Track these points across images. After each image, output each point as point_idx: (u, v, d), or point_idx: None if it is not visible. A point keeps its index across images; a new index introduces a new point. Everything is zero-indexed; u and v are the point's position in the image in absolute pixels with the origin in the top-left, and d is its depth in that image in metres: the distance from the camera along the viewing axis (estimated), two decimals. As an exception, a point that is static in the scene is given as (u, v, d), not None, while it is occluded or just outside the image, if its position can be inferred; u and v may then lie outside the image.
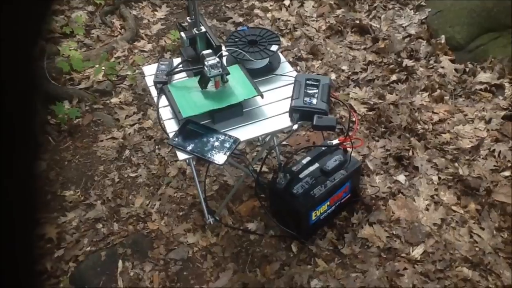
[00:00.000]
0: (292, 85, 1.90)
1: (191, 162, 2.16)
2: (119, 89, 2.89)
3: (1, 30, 0.38)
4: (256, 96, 1.74)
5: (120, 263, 2.04)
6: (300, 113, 1.75)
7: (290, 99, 1.83)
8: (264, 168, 2.37)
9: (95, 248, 2.11)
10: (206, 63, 1.70)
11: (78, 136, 2.62)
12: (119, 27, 3.34)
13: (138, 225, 2.20)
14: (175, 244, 2.11)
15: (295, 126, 1.73)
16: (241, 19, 3.40)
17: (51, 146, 2.51)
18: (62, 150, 2.54)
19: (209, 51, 1.75)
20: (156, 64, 2.02)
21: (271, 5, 3.51)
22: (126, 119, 2.71)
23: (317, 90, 1.81)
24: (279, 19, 3.37)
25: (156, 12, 3.52)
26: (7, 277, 0.46)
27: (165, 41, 3.22)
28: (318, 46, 3.10)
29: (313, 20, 3.33)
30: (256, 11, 3.46)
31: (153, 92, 1.92)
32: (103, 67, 2.90)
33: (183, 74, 1.98)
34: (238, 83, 1.78)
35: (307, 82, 1.85)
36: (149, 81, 1.98)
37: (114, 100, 2.82)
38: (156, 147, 2.55)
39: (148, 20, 3.45)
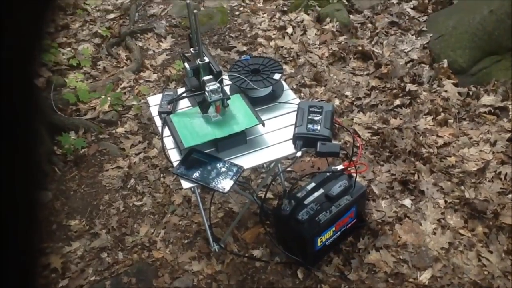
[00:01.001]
0: (295, 112, 1.92)
1: (195, 190, 2.18)
2: (124, 119, 2.93)
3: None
4: (257, 124, 1.75)
5: (125, 293, 2.03)
6: (303, 140, 1.76)
7: (293, 126, 1.85)
8: (269, 195, 2.37)
9: (100, 277, 2.10)
10: (207, 88, 1.73)
11: (83, 166, 2.64)
12: (125, 58, 3.40)
13: (143, 253, 2.19)
14: (180, 272, 2.10)
15: (299, 153, 1.74)
16: (245, 48, 3.46)
17: (57, 176, 2.53)
18: (68, 180, 2.56)
19: (210, 76, 1.78)
20: (160, 94, 2.05)
21: (274, 34, 3.57)
22: (132, 148, 2.73)
23: (320, 117, 1.82)
24: (282, 47, 3.42)
25: (161, 43, 3.59)
26: None
27: (170, 71, 3.28)
28: (321, 72, 3.13)
29: (316, 48, 3.38)
30: (260, 39, 3.52)
31: (158, 121, 1.95)
32: (109, 98, 2.95)
33: (188, 104, 2.01)
34: (239, 112, 1.80)
35: (310, 109, 1.87)
36: (154, 111, 2.01)
37: (120, 129, 2.85)
38: (161, 175, 2.56)
39: (153, 51, 3.52)
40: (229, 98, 1.78)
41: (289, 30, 3.56)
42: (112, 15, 3.85)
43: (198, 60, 1.89)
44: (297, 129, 1.80)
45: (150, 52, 3.51)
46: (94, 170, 2.62)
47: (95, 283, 2.08)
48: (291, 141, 1.81)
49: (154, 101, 2.06)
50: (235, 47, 3.49)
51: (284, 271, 2.07)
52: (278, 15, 3.77)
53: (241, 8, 3.94)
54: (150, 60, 3.41)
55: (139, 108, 2.93)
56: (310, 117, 1.83)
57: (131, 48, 3.45)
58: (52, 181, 2.50)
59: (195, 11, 1.75)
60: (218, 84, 1.74)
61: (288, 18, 3.71)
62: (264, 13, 3.85)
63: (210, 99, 1.73)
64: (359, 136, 2.64)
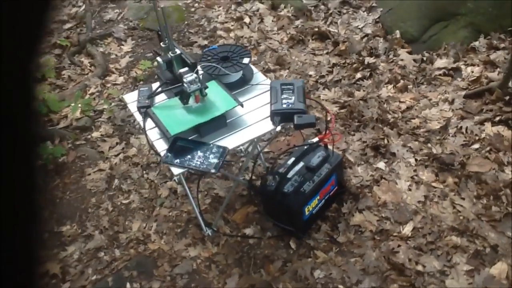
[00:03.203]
0: (268, 92, 2.03)
1: (182, 179, 2.26)
2: (98, 123, 2.96)
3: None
4: (236, 106, 1.85)
5: (128, 286, 2.09)
6: (281, 116, 1.87)
7: (269, 104, 1.96)
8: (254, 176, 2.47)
9: (101, 276, 2.15)
10: (185, 80, 1.81)
11: (65, 174, 2.66)
12: (89, 65, 3.42)
13: (139, 247, 2.25)
14: (178, 260, 2.18)
15: (278, 128, 1.85)
16: (206, 42, 3.53)
17: (40, 187, 2.54)
18: (52, 189, 2.57)
19: (186, 69, 1.86)
20: (136, 92, 2.11)
21: (232, 25, 3.66)
22: (110, 150, 2.77)
23: (293, 93, 1.94)
24: (242, 36, 3.51)
25: (122, 46, 3.62)
26: None
27: (135, 72, 3.32)
28: (283, 56, 3.25)
29: (275, 34, 3.49)
30: (219, 32, 3.60)
31: (138, 117, 2.01)
32: (79, 105, 2.97)
33: (164, 97, 2.08)
34: (217, 97, 1.89)
35: (282, 86, 1.98)
36: (132, 107, 2.07)
37: (95, 134, 2.88)
38: (144, 172, 2.62)
39: (116, 55, 3.54)
40: (206, 87, 1.87)
41: (247, 20, 3.66)
42: (68, 25, 3.83)
43: (170, 53, 1.96)
44: (273, 106, 1.90)
45: (113, 56, 3.53)
46: (76, 176, 2.65)
47: (97, 281, 2.12)
48: (268, 119, 1.92)
49: (131, 98, 2.12)
50: (196, 41, 3.56)
51: (277, 243, 2.18)
52: (233, 7, 3.86)
53: (196, 5, 4.01)
54: (114, 64, 3.44)
55: (112, 111, 2.97)
56: (283, 94, 1.94)
57: (93, 55, 3.46)
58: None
59: (161, 7, 1.82)
60: (195, 75, 1.82)
61: (244, 8, 3.80)
62: (220, 7, 3.93)
63: (189, 90, 1.81)
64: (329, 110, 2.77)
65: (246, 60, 2.08)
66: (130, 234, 2.31)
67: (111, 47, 3.62)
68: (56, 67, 3.40)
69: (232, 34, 3.56)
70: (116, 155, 2.73)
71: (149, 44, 3.64)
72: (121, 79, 3.27)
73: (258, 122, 1.92)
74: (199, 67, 2.06)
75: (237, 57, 2.11)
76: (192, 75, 1.80)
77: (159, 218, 2.37)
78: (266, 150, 2.61)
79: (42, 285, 0.51)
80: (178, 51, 1.95)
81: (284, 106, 1.88)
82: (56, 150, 2.68)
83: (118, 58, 3.50)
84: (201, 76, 2.10)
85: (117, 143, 2.81)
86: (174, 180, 2.52)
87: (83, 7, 4.01)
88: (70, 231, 2.35)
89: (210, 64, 2.03)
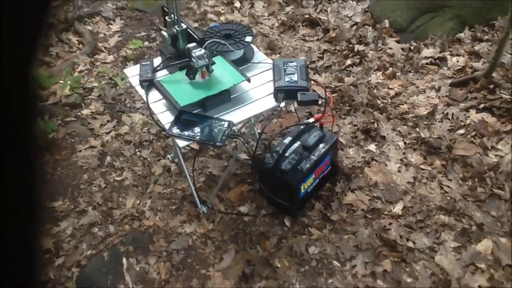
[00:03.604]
0: (270, 71, 2.07)
1: (179, 155, 2.27)
2: (88, 101, 2.92)
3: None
4: (244, 80, 1.88)
5: (124, 260, 2.09)
6: (284, 93, 1.91)
7: (271, 82, 1.99)
8: (245, 156, 2.51)
9: (96, 251, 2.14)
10: (193, 54, 1.82)
11: (55, 150, 2.63)
12: (77, 43, 3.36)
13: (133, 223, 2.25)
14: (174, 236, 2.19)
15: (282, 104, 1.89)
16: (196, 24, 3.53)
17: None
18: (42, 165, 2.54)
19: (194, 44, 1.87)
20: (137, 65, 2.11)
21: (222, 9, 3.67)
22: (101, 128, 2.75)
23: (295, 71, 1.98)
24: (233, 20, 3.53)
25: (111, 26, 3.57)
26: None
27: (125, 52, 3.29)
28: (274, 41, 3.28)
29: (265, 19, 3.52)
30: (210, 15, 3.60)
31: (140, 90, 2.01)
32: (68, 82, 2.93)
33: (165, 72, 2.08)
34: (224, 71, 1.91)
35: (285, 65, 2.02)
36: (134, 81, 2.07)
37: (85, 111, 2.85)
38: (137, 150, 2.61)
39: (104, 34, 3.50)
40: (214, 63, 1.88)
41: (237, 4, 3.68)
42: (54, 3, 3.74)
43: (176, 27, 1.97)
44: (277, 83, 1.94)
45: (101, 35, 3.49)
46: (67, 152, 2.62)
47: (92, 256, 2.12)
48: (271, 95, 1.95)
49: (132, 72, 2.12)
50: (186, 24, 3.55)
51: (272, 221, 2.22)
52: (223, -9, 3.87)
53: (185, -13, 3.99)
54: (103, 42, 3.40)
55: (102, 89, 2.94)
56: (286, 72, 1.98)
57: (81, 33, 3.41)
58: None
59: (172, -21, 1.83)
60: (203, 50, 1.83)
61: (234, -7, 3.81)
62: (209, -10, 3.92)
63: (197, 65, 1.83)
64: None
65: (249, 39, 2.11)
66: (124, 210, 2.31)
67: (99, 26, 3.57)
68: (43, 44, 3.32)
69: (222, 18, 3.56)
70: (108, 133, 2.71)
71: (137, 25, 3.61)
72: (110, 58, 3.24)
73: (261, 98, 1.95)
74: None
75: (239, 35, 2.13)
76: (200, 50, 1.82)
77: (153, 195, 2.38)
78: (258, 131, 2.64)
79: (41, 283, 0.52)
80: (184, 26, 1.95)
81: (288, 83, 1.92)
82: (48, 125, 2.64)
83: (107, 37, 3.46)
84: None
85: (108, 121, 2.79)
86: (168, 158, 2.53)
87: (69, -16, 3.93)
88: (63, 207, 2.33)
89: (214, 40, 2.05)
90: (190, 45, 1.85)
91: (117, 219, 2.28)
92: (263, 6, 3.62)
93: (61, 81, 2.94)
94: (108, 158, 2.58)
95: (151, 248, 2.15)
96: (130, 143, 2.65)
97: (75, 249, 2.16)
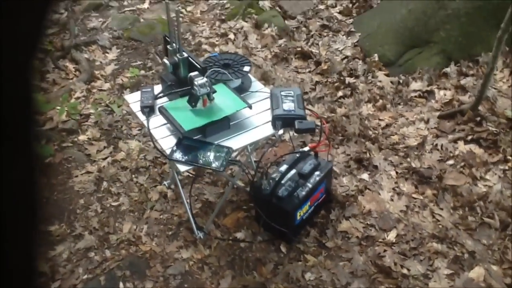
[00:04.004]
0: (267, 99, 2.14)
1: (177, 181, 2.30)
2: (85, 127, 2.95)
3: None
4: (245, 107, 1.94)
5: (121, 285, 2.08)
6: (282, 121, 1.97)
7: (269, 110, 2.06)
8: (241, 183, 2.55)
9: (92, 275, 2.13)
10: (195, 83, 1.88)
11: (52, 174, 2.63)
12: (73, 70, 3.41)
13: (130, 248, 2.26)
14: (170, 261, 2.20)
15: (281, 131, 1.95)
16: (191, 54, 3.61)
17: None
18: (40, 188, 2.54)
19: (196, 72, 1.93)
20: (138, 92, 2.16)
21: (217, 40, 3.76)
22: (98, 153, 2.77)
23: (293, 100, 2.05)
24: (227, 51, 3.62)
25: (107, 54, 3.64)
26: None
27: (122, 79, 3.34)
28: (268, 72, 3.37)
29: (259, 51, 3.62)
30: (204, 46, 3.70)
31: (141, 117, 2.06)
32: (65, 108, 2.96)
33: (165, 99, 2.14)
34: (226, 98, 1.97)
35: (282, 94, 2.09)
36: (134, 107, 2.12)
37: (82, 137, 2.87)
38: (133, 176, 2.63)
39: (101, 62, 3.56)
40: (215, 92, 1.95)
41: (231, 36, 3.78)
42: (50, 30, 3.81)
43: (177, 55, 2.04)
44: (275, 111, 2.01)
45: (98, 63, 3.54)
46: (63, 177, 2.62)
47: (88, 281, 2.11)
48: (269, 123, 2.02)
49: (132, 99, 2.17)
50: (182, 54, 3.63)
51: (269, 247, 2.24)
52: (217, 23, 3.98)
53: (180, 19, 4.08)
54: (99, 70, 3.45)
55: (99, 115, 2.97)
56: (284, 100, 2.05)
57: (78, 60, 3.46)
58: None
59: (177, 7, 1.91)
60: (206, 79, 1.90)
61: (228, 26, 3.92)
62: (204, 22, 4.03)
63: (199, 93, 1.89)
64: (326, 120, 2.90)
65: (247, 68, 2.18)
66: (121, 235, 2.31)
67: (96, 54, 3.63)
68: (40, 70, 3.37)
69: (217, 49, 3.66)
70: (104, 159, 2.73)
71: (134, 54, 3.68)
72: (107, 85, 3.28)
73: (259, 126, 2.01)
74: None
75: (238, 65, 2.21)
76: (202, 78, 1.88)
77: (150, 221, 2.39)
78: (254, 159, 2.69)
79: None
80: (185, 54, 2.02)
81: (286, 111, 1.99)
82: (45, 149, 2.65)
83: (103, 65, 3.51)
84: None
85: (104, 147, 2.81)
86: (165, 184, 2.55)
87: (66, 14, 4.01)
88: (59, 231, 2.33)
89: (217, 69, 2.12)
90: (192, 74, 1.91)
91: (114, 244, 2.28)
92: (257, 39, 3.73)
93: (58, 107, 2.97)
94: (105, 184, 2.59)
95: (148, 273, 2.15)
96: (126, 169, 2.67)
97: (71, 273, 2.15)
